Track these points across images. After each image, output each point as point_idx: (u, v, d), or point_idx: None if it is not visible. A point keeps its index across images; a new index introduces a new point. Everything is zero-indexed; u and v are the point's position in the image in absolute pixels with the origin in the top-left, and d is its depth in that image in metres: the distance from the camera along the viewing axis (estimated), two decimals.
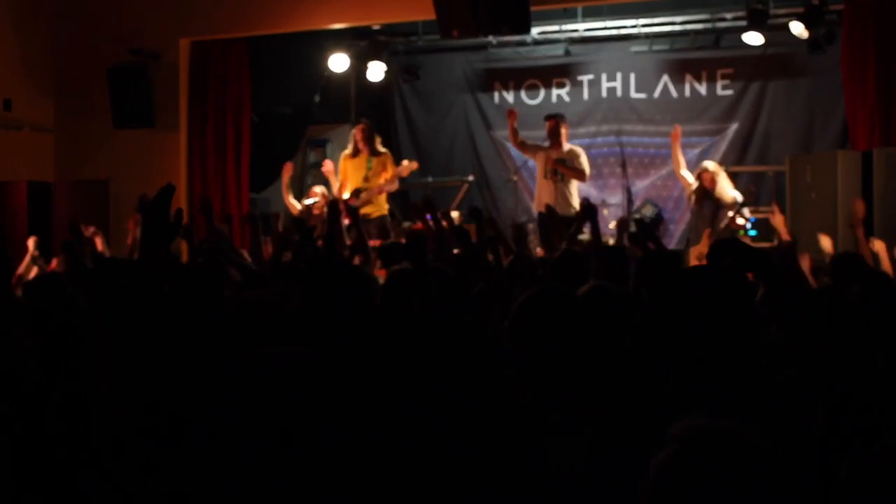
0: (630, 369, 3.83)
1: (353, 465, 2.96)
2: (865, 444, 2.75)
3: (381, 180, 11.81)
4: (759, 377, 3.47)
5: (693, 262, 10.98)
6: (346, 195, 11.77)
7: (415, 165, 12.14)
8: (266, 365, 3.00)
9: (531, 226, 12.51)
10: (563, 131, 12.00)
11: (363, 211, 11.54)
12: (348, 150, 12.12)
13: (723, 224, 11.05)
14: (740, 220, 11.00)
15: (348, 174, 11.95)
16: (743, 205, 11.10)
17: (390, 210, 12.37)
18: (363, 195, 11.69)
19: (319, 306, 4.36)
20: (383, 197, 11.94)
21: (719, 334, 3.63)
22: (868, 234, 9.92)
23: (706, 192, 11.36)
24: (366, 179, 11.82)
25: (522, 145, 12.37)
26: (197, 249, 7.53)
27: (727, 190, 11.34)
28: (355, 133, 12.04)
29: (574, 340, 3.55)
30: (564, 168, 11.82)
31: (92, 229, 8.64)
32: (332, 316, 4.26)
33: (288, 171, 12.35)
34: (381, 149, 12.02)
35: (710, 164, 11.58)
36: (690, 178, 11.67)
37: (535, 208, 12.20)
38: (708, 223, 11.17)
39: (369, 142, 11.90)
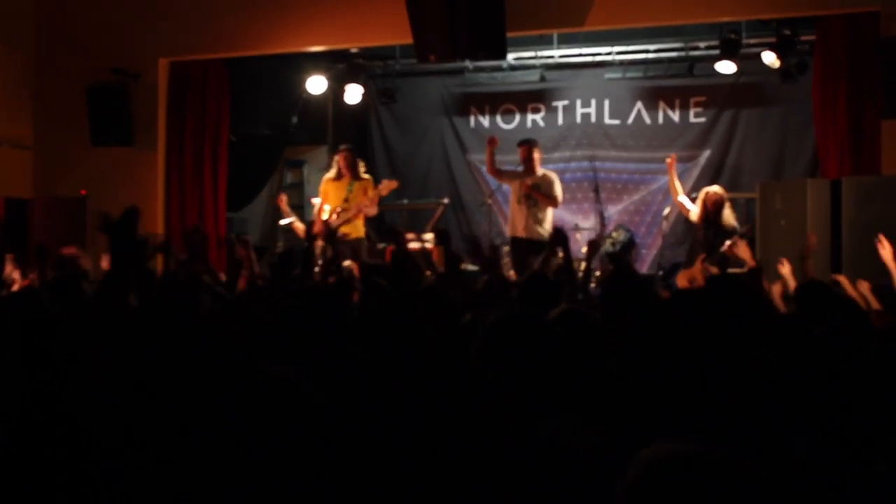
0: (604, 390, 3.90)
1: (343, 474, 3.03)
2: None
3: (360, 201, 11.94)
4: (735, 401, 3.53)
5: (683, 284, 11.00)
6: (325, 216, 11.96)
7: (394, 184, 12.24)
8: (253, 382, 3.05)
9: (505, 248, 12.62)
10: (536, 156, 11.98)
11: (341, 231, 11.67)
12: (331, 174, 12.26)
13: (723, 249, 10.99)
14: (739, 249, 10.97)
15: (329, 196, 12.10)
16: (741, 234, 11.11)
17: (367, 233, 12.49)
18: (342, 215, 11.83)
19: (305, 324, 4.43)
20: (361, 220, 12.07)
21: (698, 361, 3.69)
22: (837, 261, 10.09)
23: (709, 217, 11.30)
24: (346, 202, 11.95)
25: (498, 173, 12.36)
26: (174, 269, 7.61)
27: (731, 217, 11.32)
28: (339, 159, 12.19)
29: (544, 363, 3.59)
30: (538, 193, 11.86)
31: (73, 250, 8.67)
32: (317, 333, 4.33)
33: (283, 202, 12.69)
34: (364, 175, 12.19)
35: (716, 188, 11.50)
36: (689, 204, 11.66)
37: (509, 232, 12.26)
38: (704, 248, 11.15)
39: (352, 167, 12.09)
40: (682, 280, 11.15)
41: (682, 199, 11.75)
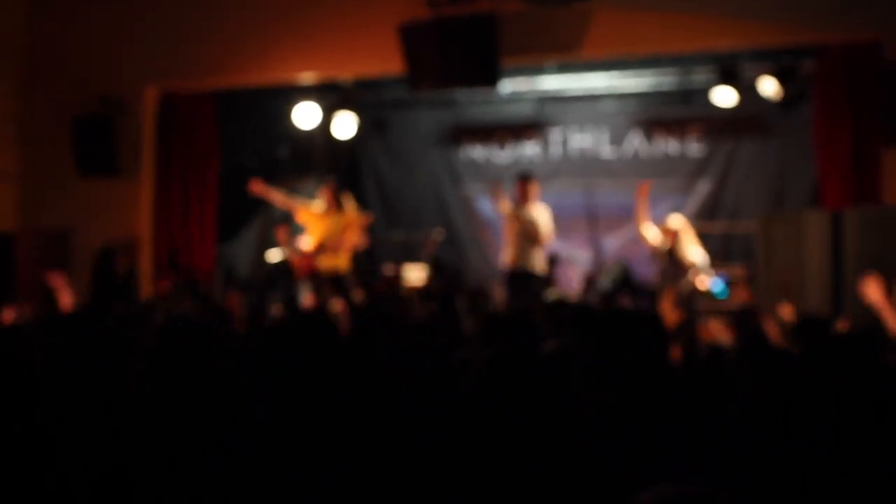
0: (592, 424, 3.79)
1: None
2: None
3: (345, 237, 11.93)
4: (722, 436, 3.51)
5: None
6: (306, 244, 11.94)
7: (368, 218, 12.32)
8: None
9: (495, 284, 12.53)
10: (533, 191, 11.96)
11: (326, 265, 11.61)
12: (316, 207, 12.17)
13: (687, 287, 10.98)
14: (702, 285, 10.93)
15: (313, 229, 12.06)
16: (705, 267, 11.03)
17: (355, 266, 12.41)
18: (326, 248, 11.84)
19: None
20: (346, 254, 12.02)
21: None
22: (838, 294, 9.87)
23: (668, 250, 11.34)
24: (329, 236, 11.93)
25: (503, 208, 12.19)
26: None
27: (688, 250, 11.27)
28: (324, 191, 12.17)
29: (536, 397, 3.54)
30: (531, 229, 11.78)
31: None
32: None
33: (282, 234, 13.02)
34: (349, 207, 12.12)
35: (673, 222, 11.52)
36: (652, 234, 11.62)
37: (502, 265, 12.17)
38: (669, 282, 11.15)
39: (336, 200, 12.06)
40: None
41: (645, 229, 11.69)
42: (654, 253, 11.47)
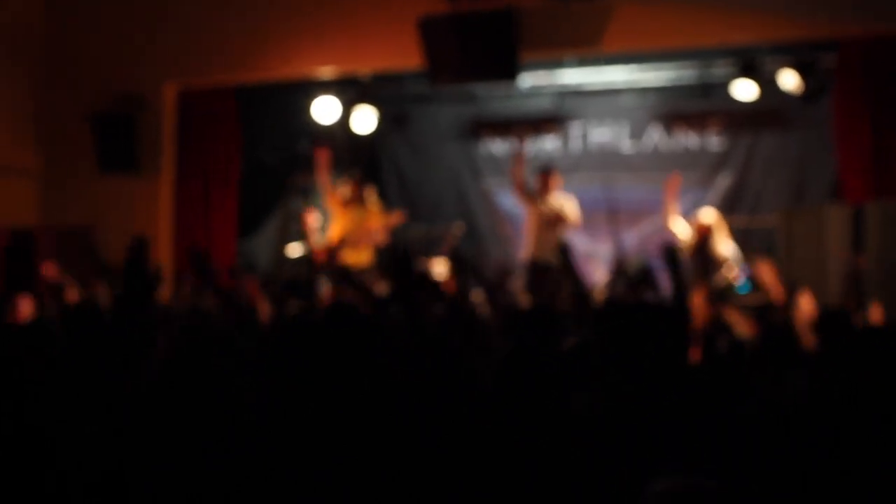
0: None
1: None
2: None
3: (366, 232, 11.94)
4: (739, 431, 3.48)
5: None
6: (327, 236, 11.97)
7: (399, 217, 12.27)
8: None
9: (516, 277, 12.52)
10: (554, 183, 12.01)
11: (349, 261, 11.62)
12: (342, 197, 12.21)
13: (721, 283, 10.93)
14: (737, 281, 10.89)
15: (336, 219, 12.09)
16: (736, 262, 10.99)
17: (376, 261, 12.40)
18: (348, 243, 11.84)
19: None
20: (368, 249, 12.02)
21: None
22: (859, 289, 9.83)
23: (699, 245, 11.28)
24: (352, 229, 11.94)
25: (522, 188, 12.29)
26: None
27: (720, 245, 11.24)
28: (349, 184, 12.21)
29: (555, 392, 3.53)
30: (558, 218, 11.86)
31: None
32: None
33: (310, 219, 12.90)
34: (372, 201, 12.18)
35: (705, 216, 11.48)
36: (681, 229, 11.60)
37: (524, 257, 12.19)
38: (700, 277, 11.08)
39: (361, 193, 12.08)
40: None
41: (675, 223, 11.68)
42: (684, 248, 11.43)
